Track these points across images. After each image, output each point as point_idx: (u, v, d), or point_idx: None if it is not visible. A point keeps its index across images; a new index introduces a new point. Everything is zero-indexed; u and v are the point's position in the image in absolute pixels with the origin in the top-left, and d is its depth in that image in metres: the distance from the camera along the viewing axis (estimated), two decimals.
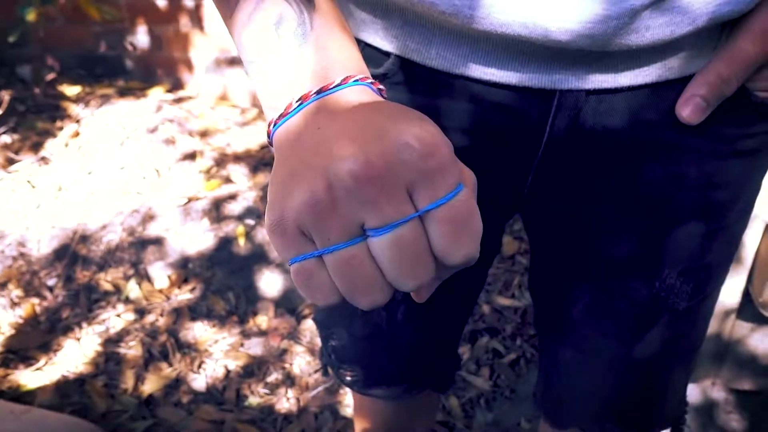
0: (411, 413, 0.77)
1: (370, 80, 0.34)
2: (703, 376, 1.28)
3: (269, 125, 0.34)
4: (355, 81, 0.33)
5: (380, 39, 0.46)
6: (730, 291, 1.14)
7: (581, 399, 0.61)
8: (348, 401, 1.31)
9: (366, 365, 0.65)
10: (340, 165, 0.29)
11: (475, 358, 1.41)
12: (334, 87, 0.33)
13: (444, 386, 0.72)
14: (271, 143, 0.35)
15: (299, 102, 0.33)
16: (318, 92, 0.33)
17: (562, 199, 0.52)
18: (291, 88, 0.33)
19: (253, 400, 1.32)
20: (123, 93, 2.15)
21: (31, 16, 1.76)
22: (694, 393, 1.31)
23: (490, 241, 0.58)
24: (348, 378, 0.67)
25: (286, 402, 1.32)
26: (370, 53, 0.48)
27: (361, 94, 0.33)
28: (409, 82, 0.47)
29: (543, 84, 0.43)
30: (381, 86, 0.35)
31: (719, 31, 0.44)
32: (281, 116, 0.33)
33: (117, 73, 2.27)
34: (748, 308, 1.17)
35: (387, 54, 0.47)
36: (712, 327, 1.20)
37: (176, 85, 2.25)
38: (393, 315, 0.60)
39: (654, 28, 0.39)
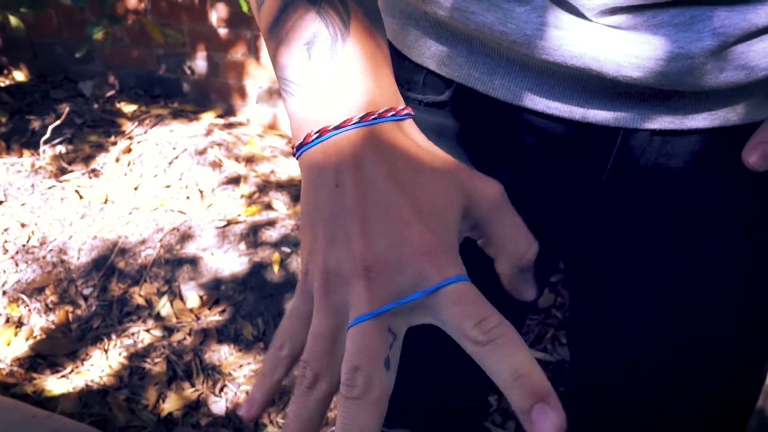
0: None
1: (393, 113, 0.33)
2: None
3: (293, 147, 0.34)
4: (374, 119, 0.32)
5: (444, 67, 0.46)
6: None
7: None
8: None
9: (392, 402, 0.63)
10: (344, 260, 0.30)
11: (502, 410, 1.37)
12: (353, 124, 0.32)
13: None
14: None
15: (317, 135, 0.32)
16: (336, 128, 0.32)
17: (614, 243, 0.50)
18: (314, 114, 0.33)
19: (271, 430, 1.30)
20: (177, 115, 2.21)
21: (98, 35, 1.83)
22: None
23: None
24: None
25: None
26: (432, 80, 0.47)
27: (381, 136, 0.32)
28: (470, 111, 0.47)
29: (608, 121, 0.42)
30: (408, 111, 0.34)
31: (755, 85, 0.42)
32: (301, 144, 0.33)
33: (173, 95, 2.34)
34: None
35: (450, 82, 0.46)
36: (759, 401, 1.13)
37: (228, 110, 2.31)
38: (425, 356, 0.59)
39: (728, 71, 0.38)
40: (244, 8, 1.75)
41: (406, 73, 0.49)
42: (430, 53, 0.46)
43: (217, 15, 2.17)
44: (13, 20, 1.72)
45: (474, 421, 0.69)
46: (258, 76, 2.24)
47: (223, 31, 2.19)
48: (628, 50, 0.38)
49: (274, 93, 2.25)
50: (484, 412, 0.71)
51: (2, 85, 2.34)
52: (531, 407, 0.26)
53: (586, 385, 0.59)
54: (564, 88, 0.41)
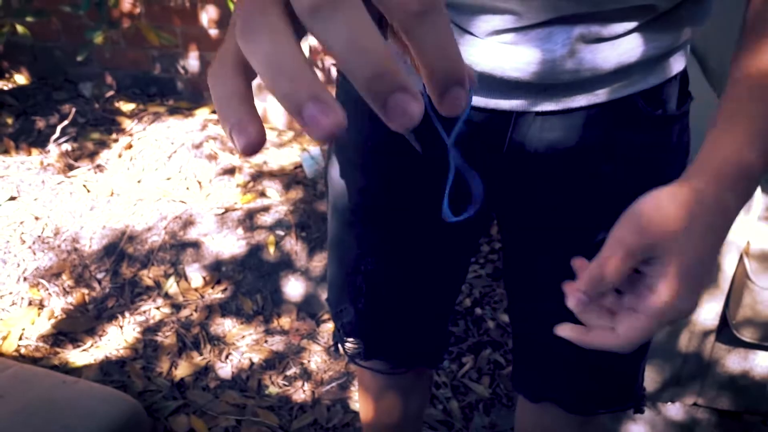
0: (406, 388, 0.90)
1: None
2: (686, 395, 1.39)
3: None
4: None
5: None
6: (709, 314, 1.26)
7: (553, 373, 0.74)
8: (357, 397, 1.44)
9: (366, 338, 0.79)
10: None
11: (478, 368, 1.54)
12: None
13: (435, 363, 0.85)
14: None
15: None
16: None
17: (524, 197, 0.66)
18: None
19: (273, 390, 1.46)
20: (173, 111, 2.35)
21: (98, 39, 1.97)
22: (678, 412, 1.41)
23: (474, 227, 0.72)
24: (351, 350, 0.81)
25: (302, 393, 1.46)
26: None
27: None
28: None
29: (504, 108, 0.59)
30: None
31: (628, 68, 0.58)
32: None
33: (168, 93, 2.48)
34: (726, 331, 1.27)
35: None
36: (694, 347, 1.31)
37: None
38: (389, 290, 0.75)
39: (581, 69, 0.55)
40: (231, 7, 1.90)
41: None
42: None
43: (207, 17, 2.31)
44: (20, 29, 1.86)
45: (438, 349, 0.85)
46: None
47: (213, 32, 2.34)
48: (511, 58, 0.54)
49: (263, 88, 2.39)
50: (446, 342, 0.87)
51: (5, 88, 2.47)
52: (448, 89, 0.24)
53: (522, 309, 0.75)
54: (480, 87, 0.58)
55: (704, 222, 0.44)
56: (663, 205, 0.44)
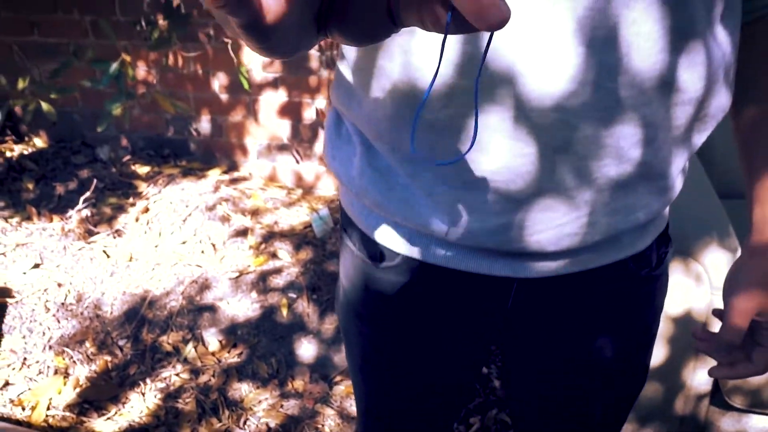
0: None
1: None
2: None
3: None
4: None
5: (396, 245, 0.67)
6: (702, 379, 1.33)
7: None
8: None
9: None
10: None
11: (485, 428, 1.60)
12: None
13: None
14: None
15: None
16: None
17: (528, 334, 0.73)
18: None
19: None
20: (186, 173, 2.45)
21: (117, 111, 2.08)
22: None
23: (474, 361, 0.79)
24: None
25: None
26: (389, 252, 0.68)
27: None
28: (415, 270, 0.69)
29: (505, 273, 0.64)
30: None
31: (614, 237, 0.65)
32: None
33: (181, 154, 2.58)
34: (719, 396, 1.34)
35: (397, 254, 0.68)
36: (690, 410, 1.37)
37: (232, 166, 2.56)
38: (392, 419, 0.81)
39: (564, 244, 0.62)
40: (245, 86, 2.01)
41: (369, 247, 0.70)
42: (380, 228, 0.68)
43: (218, 83, 2.43)
44: (45, 106, 1.97)
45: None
46: (257, 135, 2.49)
47: (224, 97, 2.45)
48: (515, 237, 0.61)
49: (273, 148, 2.50)
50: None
51: (25, 152, 2.58)
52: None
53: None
54: (482, 257, 0.65)
55: None
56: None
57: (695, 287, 1.22)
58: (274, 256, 2.08)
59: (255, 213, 2.27)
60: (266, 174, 2.54)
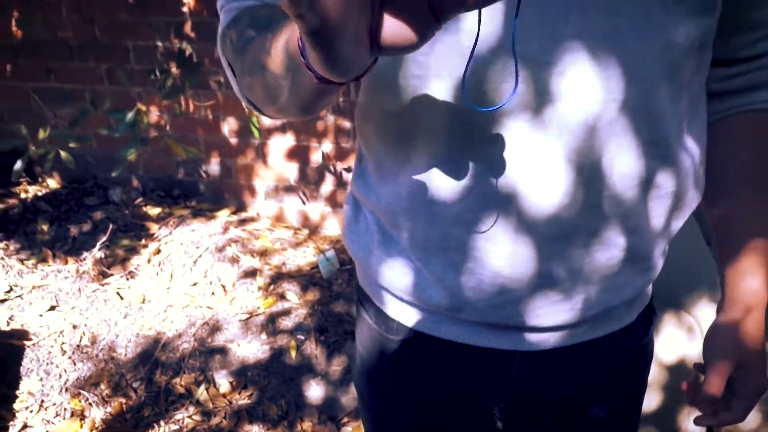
0: None
1: None
2: None
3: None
4: None
5: (410, 321, 0.74)
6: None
7: None
8: None
9: None
10: None
11: None
12: None
13: None
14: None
15: None
16: None
17: (529, 396, 0.80)
18: None
19: None
20: (196, 214, 2.53)
21: (131, 156, 2.16)
22: None
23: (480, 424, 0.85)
24: None
25: None
26: (400, 326, 0.75)
27: None
28: (427, 342, 0.75)
29: (508, 347, 0.71)
30: None
31: (604, 313, 0.72)
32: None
33: (191, 194, 2.66)
34: None
35: (410, 328, 0.74)
36: None
37: (240, 207, 2.63)
38: None
39: (560, 320, 0.69)
40: (256, 135, 2.09)
41: (384, 321, 0.78)
42: (395, 306, 0.76)
43: (228, 127, 2.51)
44: (63, 155, 2.05)
45: None
46: (265, 176, 2.57)
47: (234, 140, 2.53)
48: (517, 313, 0.68)
49: (280, 190, 2.58)
50: None
51: (39, 194, 2.66)
52: None
53: None
54: (487, 333, 0.72)
55: (760, 335, 0.70)
56: (739, 330, 0.69)
57: (687, 338, 1.29)
58: (282, 297, 2.14)
59: (263, 254, 2.34)
60: (273, 214, 2.61)
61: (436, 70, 0.57)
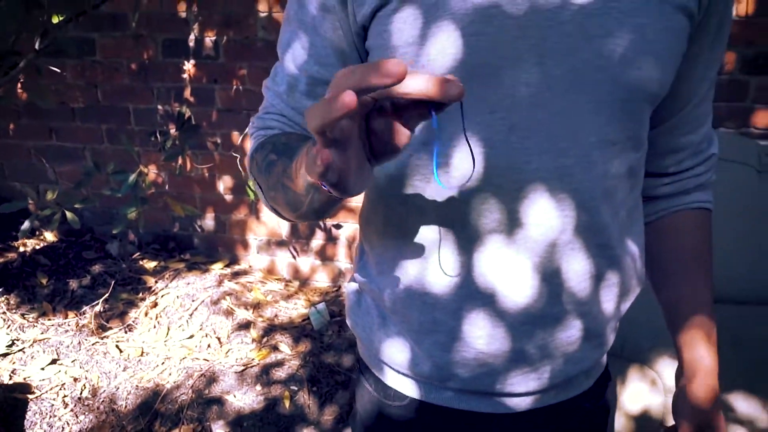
0: None
1: None
2: None
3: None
4: None
5: (407, 389, 0.87)
6: None
7: None
8: None
9: None
10: None
11: None
12: None
13: None
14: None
15: None
16: None
17: None
18: None
19: None
20: (191, 267, 2.64)
21: (131, 215, 2.28)
22: None
23: None
24: None
25: None
26: (397, 394, 0.88)
27: None
28: (422, 409, 0.88)
29: (489, 410, 0.83)
30: None
31: (567, 380, 0.86)
32: None
33: (186, 248, 2.78)
34: None
35: (405, 396, 0.88)
36: None
37: (233, 260, 2.75)
38: None
39: (531, 387, 0.82)
40: (251, 197, 2.23)
41: (383, 389, 0.90)
42: (398, 379, 0.89)
43: (224, 185, 2.65)
44: (69, 215, 2.16)
45: None
46: (258, 231, 2.69)
47: (228, 197, 2.67)
48: (497, 384, 0.82)
49: (272, 244, 2.70)
50: None
51: (37, 247, 2.76)
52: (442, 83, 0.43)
53: None
54: (471, 399, 0.85)
55: (714, 396, 0.83)
56: (695, 395, 0.82)
57: (650, 391, 1.43)
58: (275, 348, 2.25)
59: (256, 306, 2.45)
60: (265, 266, 2.73)
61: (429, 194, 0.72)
